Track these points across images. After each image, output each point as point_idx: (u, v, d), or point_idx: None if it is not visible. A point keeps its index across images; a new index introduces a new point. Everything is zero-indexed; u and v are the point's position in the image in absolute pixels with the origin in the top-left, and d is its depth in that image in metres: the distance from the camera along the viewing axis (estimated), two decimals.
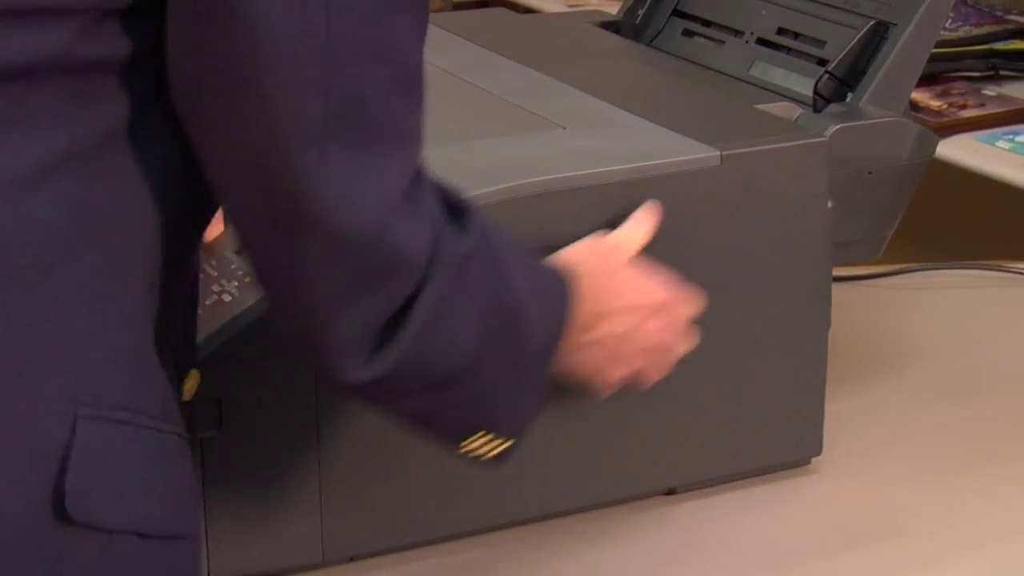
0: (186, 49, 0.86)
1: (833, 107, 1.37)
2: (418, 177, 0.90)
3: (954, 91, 2.17)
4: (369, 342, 0.90)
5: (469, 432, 1.00)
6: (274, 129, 0.85)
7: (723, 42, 1.52)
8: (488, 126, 1.29)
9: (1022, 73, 2.20)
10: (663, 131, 1.26)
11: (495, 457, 1.02)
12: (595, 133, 1.26)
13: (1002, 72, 2.18)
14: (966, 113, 2.10)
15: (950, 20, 2.26)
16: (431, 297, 0.91)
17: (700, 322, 1.17)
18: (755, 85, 1.46)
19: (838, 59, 1.38)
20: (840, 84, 1.39)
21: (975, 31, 2.26)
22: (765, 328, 1.26)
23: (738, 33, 1.51)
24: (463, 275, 0.93)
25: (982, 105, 2.13)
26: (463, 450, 1.01)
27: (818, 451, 1.32)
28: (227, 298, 1.13)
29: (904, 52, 1.38)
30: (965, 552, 1.23)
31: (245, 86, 0.85)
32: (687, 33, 1.56)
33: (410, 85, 0.89)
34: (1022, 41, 2.25)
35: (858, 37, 1.38)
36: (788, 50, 1.46)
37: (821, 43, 1.44)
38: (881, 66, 1.38)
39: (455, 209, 0.95)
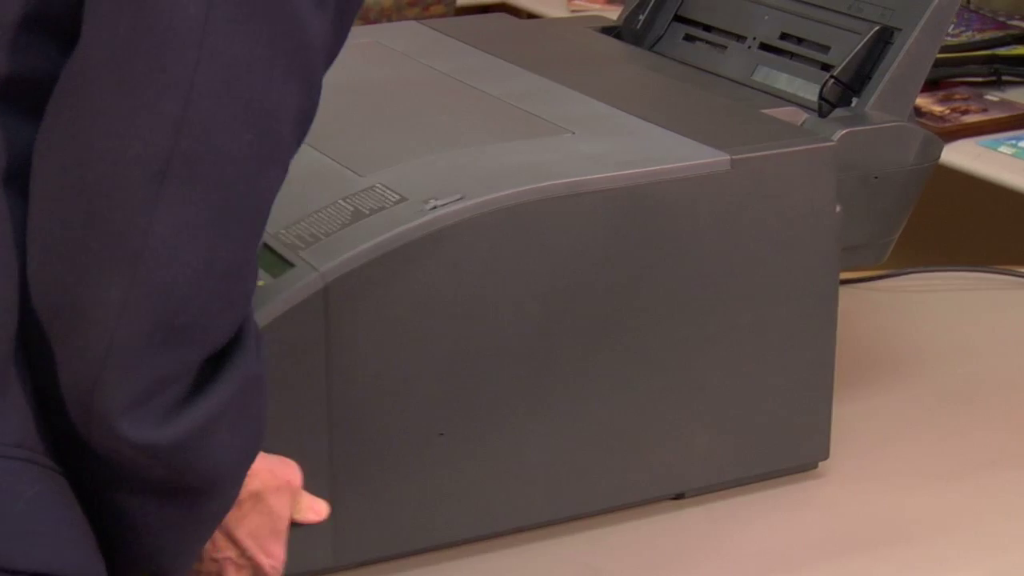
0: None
1: (839, 112, 1.37)
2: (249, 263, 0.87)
3: (957, 96, 2.18)
4: (151, 407, 0.85)
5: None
6: (109, 153, 0.81)
7: (725, 47, 1.52)
8: (496, 131, 1.29)
9: None
10: (672, 135, 1.26)
11: None
12: (604, 138, 1.26)
13: (1004, 77, 2.18)
14: (969, 118, 2.10)
15: (952, 25, 2.27)
16: (219, 400, 0.87)
17: (708, 326, 1.17)
18: (759, 90, 1.46)
19: (843, 64, 1.38)
20: (845, 89, 1.39)
21: (978, 36, 2.26)
22: (773, 332, 1.26)
23: (740, 38, 1.51)
24: (252, 402, 0.90)
25: (985, 110, 2.13)
26: None
27: (825, 455, 1.32)
28: None
29: (909, 57, 1.38)
30: (971, 556, 1.24)
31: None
32: (688, 38, 1.56)
33: (274, 156, 0.86)
34: None
35: (863, 42, 1.39)
36: (791, 55, 1.46)
37: (825, 48, 1.44)
38: (886, 71, 1.38)
39: (258, 336, 0.91)
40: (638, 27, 1.59)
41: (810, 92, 1.41)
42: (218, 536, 1.01)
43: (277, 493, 1.03)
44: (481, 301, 1.15)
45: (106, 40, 0.81)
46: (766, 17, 1.49)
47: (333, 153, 1.23)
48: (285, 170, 0.87)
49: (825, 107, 1.38)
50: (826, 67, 1.42)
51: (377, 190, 1.17)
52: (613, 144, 1.25)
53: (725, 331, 1.23)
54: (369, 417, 1.14)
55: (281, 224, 1.14)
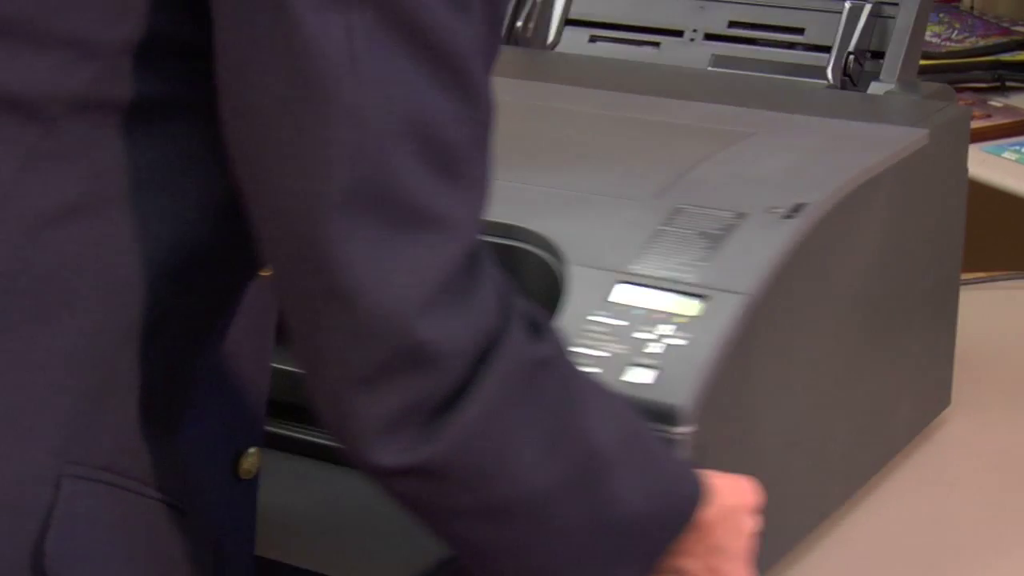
0: (225, 79, 0.83)
1: (876, 86, 1.44)
2: (467, 272, 0.85)
3: (960, 102, 2.17)
4: (403, 430, 0.84)
5: None
6: (298, 188, 0.82)
7: (658, 44, 1.51)
8: (693, 144, 1.31)
9: None
10: (851, 122, 1.33)
11: None
12: (793, 135, 1.31)
13: (1008, 83, 2.19)
14: (973, 124, 2.10)
15: (956, 31, 2.27)
16: (485, 397, 0.85)
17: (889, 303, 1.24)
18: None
19: (855, 41, 1.44)
20: (858, 66, 1.45)
21: (981, 42, 2.27)
22: (911, 324, 1.34)
23: (674, 33, 1.51)
24: (531, 383, 0.87)
25: (988, 116, 2.14)
26: None
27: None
28: None
29: (913, 30, 1.45)
30: None
31: (274, 135, 0.82)
32: (595, 39, 1.57)
33: (452, 168, 0.84)
34: None
35: (864, 18, 1.44)
36: (752, 42, 1.47)
37: (798, 30, 1.48)
38: (901, 45, 1.45)
39: (533, 321, 0.90)
40: (529, 35, 1.59)
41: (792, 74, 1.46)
42: (681, 551, 0.97)
43: (743, 512, 1.00)
44: (826, 294, 1.22)
45: (261, 79, 0.82)
46: (702, 8, 1.52)
47: (581, 185, 1.24)
48: (471, 175, 0.86)
49: (848, 84, 1.44)
50: (808, 47, 1.47)
51: (691, 210, 1.19)
52: (812, 139, 1.30)
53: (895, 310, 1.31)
54: None
55: (630, 267, 1.15)
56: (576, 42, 1.59)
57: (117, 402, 0.87)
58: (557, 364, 0.89)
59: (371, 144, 0.82)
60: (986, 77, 2.18)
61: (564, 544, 0.90)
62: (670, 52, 1.55)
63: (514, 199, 1.20)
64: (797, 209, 1.19)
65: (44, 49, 0.84)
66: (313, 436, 1.17)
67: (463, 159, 0.85)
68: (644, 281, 1.14)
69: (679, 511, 0.95)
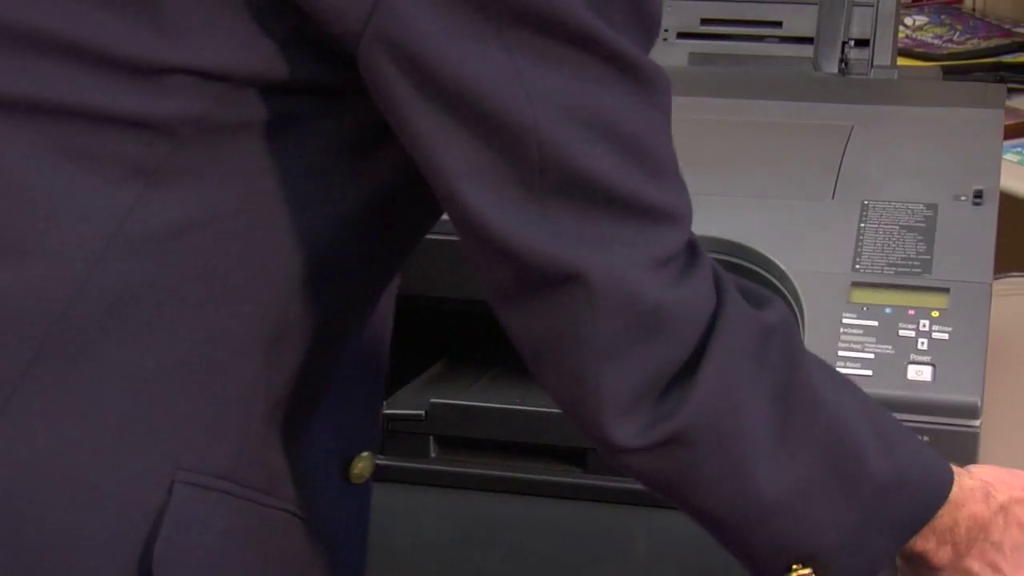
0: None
1: (877, 72, 1.49)
2: (690, 252, 0.86)
3: None
4: (646, 404, 0.85)
5: (781, 562, 0.91)
6: (496, 207, 0.83)
7: None
8: (815, 142, 1.30)
9: None
10: (930, 109, 1.36)
11: None
12: (889, 125, 1.32)
13: (1010, 85, 2.18)
14: None
15: (958, 33, 2.28)
16: (716, 363, 0.85)
17: None
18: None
19: (843, 28, 1.48)
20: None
21: (983, 44, 2.28)
22: None
23: None
24: (759, 347, 0.87)
25: None
26: None
27: None
28: None
29: (892, 13, 1.50)
30: None
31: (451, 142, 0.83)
32: None
33: (640, 158, 0.84)
34: None
35: (845, 8, 1.48)
36: (727, 37, 1.48)
37: (776, 23, 1.52)
38: (887, 30, 1.49)
39: (756, 295, 0.90)
40: None
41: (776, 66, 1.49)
42: (961, 551, 0.95)
43: (1020, 505, 0.98)
44: None
45: (450, 131, 0.82)
46: (669, 8, 1.53)
47: (746, 190, 1.23)
48: (666, 161, 0.86)
49: (845, 70, 1.48)
50: (787, 40, 1.51)
51: (880, 205, 1.18)
52: (915, 127, 1.31)
53: None
54: None
55: (857, 267, 1.13)
56: None
57: (241, 412, 0.87)
58: (783, 331, 0.89)
59: (561, 152, 0.82)
60: (988, 79, 2.18)
61: (811, 504, 0.89)
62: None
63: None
64: (980, 195, 1.18)
65: (168, 75, 0.84)
66: None
67: (653, 146, 0.85)
68: (879, 280, 1.12)
69: (931, 486, 0.93)
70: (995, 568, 0.97)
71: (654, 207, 0.84)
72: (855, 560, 0.91)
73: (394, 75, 0.82)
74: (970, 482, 0.95)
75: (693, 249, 0.87)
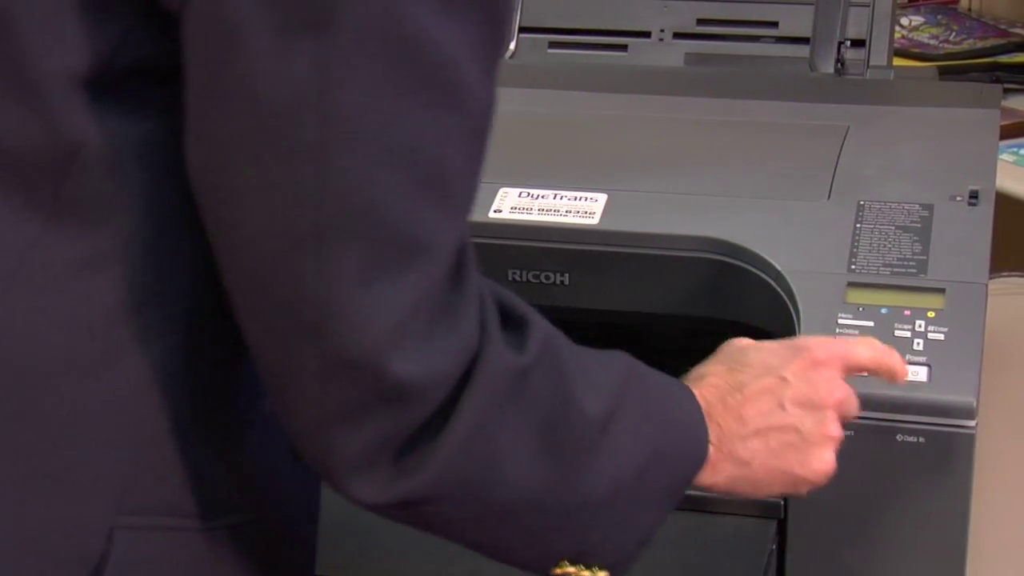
0: (192, 129, 0.79)
1: (873, 72, 1.48)
2: (445, 290, 0.81)
3: None
4: (383, 463, 0.81)
5: (549, 563, 0.91)
6: (266, 226, 0.78)
7: (625, 46, 1.51)
8: (811, 142, 1.30)
9: None
10: (925, 109, 1.35)
11: None
12: (886, 125, 1.32)
13: (1006, 85, 2.19)
14: None
15: (954, 33, 2.27)
16: (468, 419, 0.82)
17: None
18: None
19: (839, 29, 1.48)
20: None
21: (979, 44, 2.28)
22: None
23: (641, 35, 1.53)
24: (516, 395, 0.84)
25: None
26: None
27: None
28: None
29: (889, 12, 1.50)
30: None
31: (229, 180, 0.78)
32: (556, 45, 1.56)
33: (439, 190, 0.79)
34: None
35: (842, 7, 1.47)
36: (724, 38, 1.52)
37: (772, 23, 1.51)
38: (884, 31, 1.49)
39: (513, 322, 0.86)
40: None
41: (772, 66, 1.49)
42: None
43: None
44: None
45: (220, 118, 0.77)
46: (665, 9, 1.53)
47: (742, 190, 1.22)
48: (459, 192, 0.81)
49: (841, 70, 1.48)
50: (783, 40, 1.51)
51: (876, 206, 1.18)
52: (912, 127, 1.31)
53: None
54: None
55: (853, 267, 1.13)
56: (533, 50, 1.55)
57: (177, 445, 0.85)
58: (542, 367, 0.85)
59: (341, 180, 0.76)
60: (984, 79, 2.18)
61: (575, 518, 0.88)
62: (639, 54, 1.55)
63: (684, 208, 1.19)
64: (975, 196, 1.17)
65: (47, 93, 0.80)
66: None
67: (452, 177, 0.80)
68: (875, 280, 1.11)
69: (688, 451, 0.93)
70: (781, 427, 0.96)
71: (432, 246, 0.79)
72: (623, 540, 0.90)
73: (194, 58, 0.78)
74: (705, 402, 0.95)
75: (460, 282, 0.82)
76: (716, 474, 0.94)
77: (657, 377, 0.94)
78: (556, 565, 0.90)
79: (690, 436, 0.93)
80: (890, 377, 1.01)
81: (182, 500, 0.85)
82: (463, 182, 0.81)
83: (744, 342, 1.00)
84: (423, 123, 0.77)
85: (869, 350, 1.00)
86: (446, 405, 0.81)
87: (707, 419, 0.94)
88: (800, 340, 1.00)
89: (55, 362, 0.81)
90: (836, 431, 0.97)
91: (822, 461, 0.96)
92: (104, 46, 0.79)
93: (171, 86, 0.80)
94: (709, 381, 0.96)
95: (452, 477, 0.82)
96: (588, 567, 0.91)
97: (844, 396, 0.98)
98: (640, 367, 0.93)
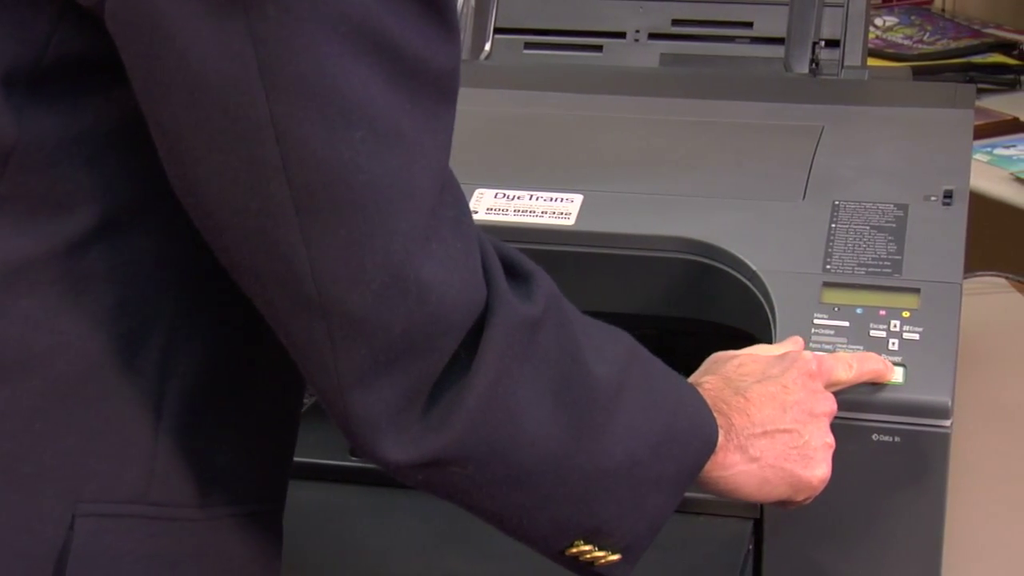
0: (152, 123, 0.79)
1: (847, 72, 1.49)
2: (439, 226, 0.81)
3: None
4: (410, 422, 0.82)
5: (563, 540, 0.91)
6: (242, 207, 0.78)
7: (600, 47, 1.51)
8: (785, 142, 1.30)
9: (1000, 86, 2.23)
10: (904, 109, 1.35)
11: (606, 567, 0.92)
12: (860, 125, 1.32)
13: (980, 85, 2.19)
14: None
15: (928, 33, 2.28)
16: (488, 371, 0.82)
17: None
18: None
19: (814, 29, 1.48)
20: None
21: (953, 44, 2.29)
22: None
23: (617, 35, 1.53)
24: (530, 346, 0.84)
25: None
26: (565, 557, 0.92)
27: None
28: None
29: (863, 13, 1.50)
30: None
31: (200, 158, 0.78)
32: (532, 46, 1.57)
33: (398, 139, 0.79)
34: (1000, 54, 2.28)
35: (816, 9, 1.48)
36: (699, 38, 1.53)
37: (747, 24, 1.52)
38: (857, 32, 1.50)
39: (519, 275, 0.87)
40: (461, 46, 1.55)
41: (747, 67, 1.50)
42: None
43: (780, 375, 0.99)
44: None
45: (169, 106, 0.77)
46: (640, 10, 1.54)
47: (717, 190, 1.22)
48: (438, 135, 0.82)
49: (816, 70, 1.49)
50: (758, 40, 1.52)
51: (851, 206, 1.18)
52: (888, 128, 1.32)
53: None
54: None
55: (828, 267, 1.13)
56: (508, 51, 1.56)
57: (142, 430, 0.84)
58: (552, 318, 0.86)
59: (304, 150, 0.77)
60: (958, 79, 2.19)
61: (594, 488, 0.88)
62: (614, 54, 1.56)
63: (660, 208, 1.20)
64: (950, 195, 1.18)
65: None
66: None
67: (409, 128, 0.80)
68: (850, 280, 1.12)
69: (699, 436, 0.93)
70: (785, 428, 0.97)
71: (412, 192, 0.79)
72: (635, 521, 0.90)
73: (129, 55, 0.77)
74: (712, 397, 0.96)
75: (448, 214, 0.82)
76: (726, 467, 0.95)
77: (659, 361, 0.94)
78: (570, 544, 0.90)
79: (701, 420, 0.93)
80: (878, 380, 1.03)
81: (151, 488, 0.84)
82: (417, 128, 0.80)
83: (730, 353, 1.01)
84: (362, 78, 0.77)
85: (850, 372, 1.03)
86: (464, 358, 0.82)
87: (715, 412, 0.95)
88: (789, 352, 1.02)
89: (5, 357, 0.81)
90: (832, 440, 0.99)
91: (824, 468, 0.99)
92: (29, 44, 0.79)
93: (110, 79, 0.79)
94: (706, 386, 0.97)
95: (478, 434, 0.82)
96: (601, 548, 0.91)
97: (834, 408, 1.01)
98: (642, 348, 0.94)
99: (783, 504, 1.00)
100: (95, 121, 0.81)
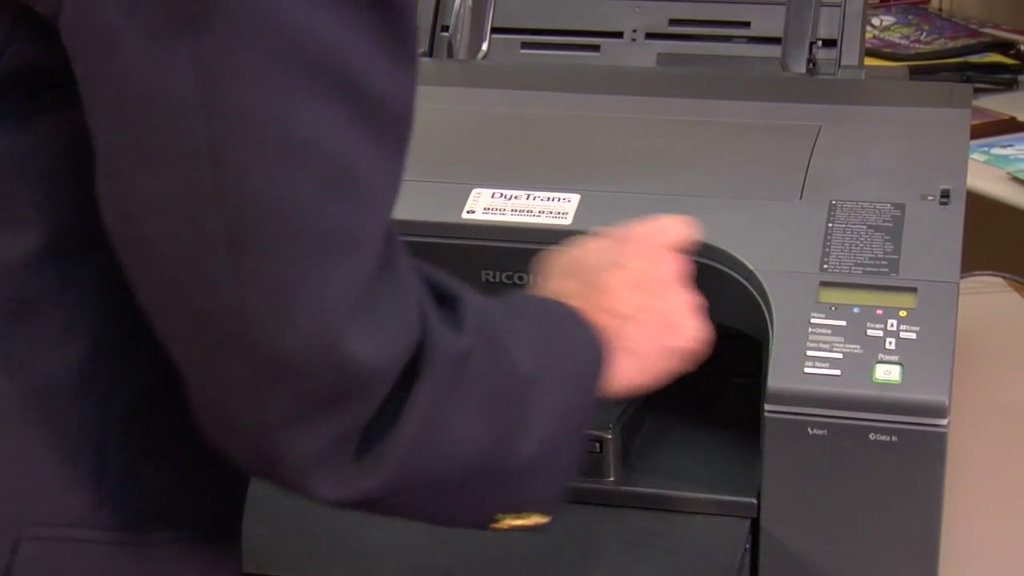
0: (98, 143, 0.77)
1: (844, 72, 1.49)
2: (378, 281, 0.79)
3: None
4: (343, 461, 0.80)
5: (489, 519, 0.91)
6: (175, 234, 0.76)
7: (597, 47, 1.51)
8: (783, 142, 1.30)
9: (997, 86, 2.23)
10: (902, 108, 1.36)
11: (533, 528, 0.93)
12: (858, 124, 1.32)
13: (977, 85, 2.20)
14: None
15: (925, 33, 2.28)
16: (422, 406, 0.81)
17: None
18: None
19: (811, 29, 1.48)
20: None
21: (950, 44, 2.29)
22: None
23: (614, 35, 1.54)
24: (461, 377, 0.83)
25: None
26: (489, 528, 0.92)
27: None
28: None
29: (860, 12, 1.50)
30: None
31: (133, 190, 0.76)
32: (529, 46, 1.57)
33: (347, 182, 0.77)
34: (997, 54, 2.28)
35: (814, 7, 1.48)
36: (696, 38, 1.53)
37: (744, 24, 1.53)
38: (855, 31, 1.50)
39: (447, 302, 0.85)
40: (458, 46, 1.55)
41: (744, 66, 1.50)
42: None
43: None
44: None
45: (108, 121, 0.76)
46: (637, 10, 1.54)
47: (714, 190, 1.22)
48: (391, 181, 0.80)
49: (813, 70, 1.49)
50: (755, 40, 1.52)
51: (848, 205, 1.18)
52: (886, 127, 1.31)
53: None
54: None
55: (825, 266, 1.13)
56: (505, 51, 1.55)
57: (87, 451, 0.83)
58: (480, 344, 0.84)
59: (241, 180, 0.74)
60: (955, 79, 2.19)
61: (518, 476, 0.88)
62: (612, 54, 1.56)
63: (657, 208, 1.17)
64: (947, 195, 1.18)
65: None
66: None
67: (359, 168, 0.77)
68: (847, 279, 1.11)
69: (596, 370, 0.93)
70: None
71: (356, 237, 0.77)
72: (553, 485, 0.91)
73: (80, 68, 0.76)
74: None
75: (391, 272, 0.80)
76: (616, 374, 0.95)
77: (552, 306, 0.94)
78: (493, 520, 0.90)
79: (598, 356, 0.93)
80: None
81: (98, 511, 0.83)
82: (373, 172, 0.78)
83: (568, 253, 1.02)
84: (316, 115, 0.75)
85: (677, 228, 1.04)
86: (397, 397, 0.80)
87: (595, 326, 0.94)
88: (619, 232, 1.03)
89: None
90: (691, 296, 1.01)
91: (693, 326, 1.00)
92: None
93: (65, 96, 0.78)
94: (574, 297, 0.97)
95: (411, 471, 0.81)
96: (526, 515, 0.91)
97: (680, 265, 1.02)
98: (537, 300, 0.95)
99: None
100: (48, 138, 0.80)
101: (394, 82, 0.78)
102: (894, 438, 1.05)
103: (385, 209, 0.79)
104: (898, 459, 1.06)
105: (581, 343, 0.93)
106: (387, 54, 0.77)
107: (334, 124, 0.75)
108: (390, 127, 0.79)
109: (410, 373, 0.80)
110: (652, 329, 0.98)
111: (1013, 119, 2.18)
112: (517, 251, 1.18)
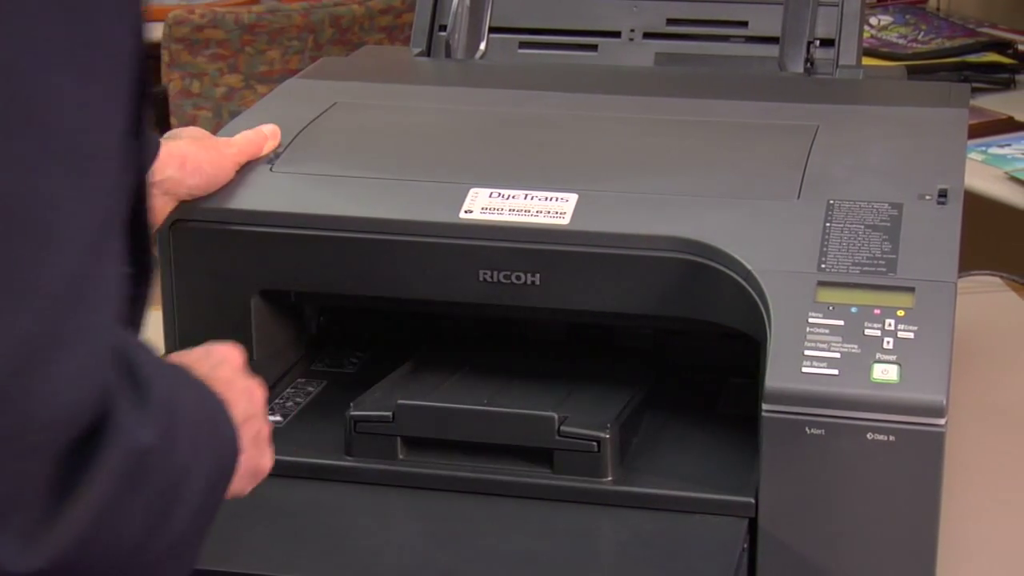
0: None
1: (842, 71, 1.49)
2: (62, 322, 0.74)
3: None
4: (14, 522, 0.75)
5: None
6: None
7: (595, 46, 1.50)
8: (781, 141, 1.30)
9: (994, 85, 2.23)
10: (897, 108, 1.36)
11: None
12: (855, 124, 1.32)
13: (974, 84, 2.20)
14: None
15: (922, 32, 2.28)
16: (99, 488, 0.77)
17: None
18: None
19: (809, 28, 1.49)
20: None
21: (948, 44, 2.29)
22: None
23: (612, 34, 1.55)
24: (140, 474, 0.79)
25: None
26: None
27: None
28: None
29: (857, 12, 1.50)
30: None
31: None
32: (527, 45, 1.57)
33: (29, 235, 0.72)
34: (994, 53, 2.28)
35: (810, 9, 1.49)
36: (694, 37, 1.53)
37: (742, 23, 1.52)
38: (853, 31, 1.50)
39: (138, 384, 0.80)
40: (454, 44, 1.55)
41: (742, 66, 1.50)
42: None
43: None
44: None
45: None
46: (635, 10, 1.54)
47: (712, 189, 1.22)
48: (83, 224, 0.75)
49: (811, 69, 1.50)
50: (753, 39, 1.52)
51: (846, 205, 1.18)
52: (882, 127, 1.31)
53: None
54: None
55: (823, 266, 1.13)
56: (503, 50, 1.56)
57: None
58: (162, 439, 0.81)
59: None
60: (952, 78, 2.19)
61: (169, 554, 0.85)
62: (609, 54, 1.56)
63: (655, 208, 1.19)
64: (944, 194, 1.18)
65: None
66: None
67: (43, 208, 0.72)
68: (844, 279, 1.11)
69: (234, 462, 0.90)
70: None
71: (33, 291, 0.72)
72: (194, 555, 0.88)
73: None
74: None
75: (70, 311, 0.74)
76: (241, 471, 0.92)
77: (211, 397, 0.90)
78: None
79: (234, 461, 0.90)
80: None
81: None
82: (59, 213, 0.73)
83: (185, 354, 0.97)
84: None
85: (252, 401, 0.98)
86: (69, 478, 0.76)
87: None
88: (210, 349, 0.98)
89: None
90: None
91: (270, 454, 0.97)
92: None
93: None
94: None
95: (81, 551, 0.77)
96: None
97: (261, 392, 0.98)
98: (201, 386, 0.90)
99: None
100: None
101: (84, 112, 0.73)
102: (892, 438, 1.05)
103: (73, 261, 0.74)
104: (896, 459, 1.06)
105: (226, 443, 0.90)
106: (78, 79, 0.73)
107: (16, 165, 0.71)
108: (81, 162, 0.74)
109: (90, 442, 0.76)
110: (254, 442, 0.95)
111: (1011, 118, 2.19)
112: (515, 251, 1.18)
